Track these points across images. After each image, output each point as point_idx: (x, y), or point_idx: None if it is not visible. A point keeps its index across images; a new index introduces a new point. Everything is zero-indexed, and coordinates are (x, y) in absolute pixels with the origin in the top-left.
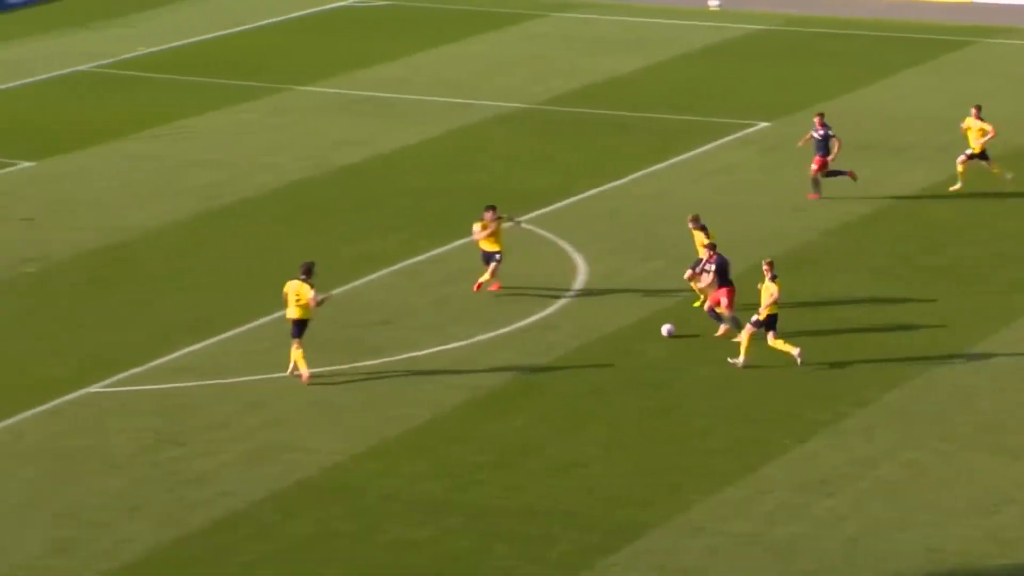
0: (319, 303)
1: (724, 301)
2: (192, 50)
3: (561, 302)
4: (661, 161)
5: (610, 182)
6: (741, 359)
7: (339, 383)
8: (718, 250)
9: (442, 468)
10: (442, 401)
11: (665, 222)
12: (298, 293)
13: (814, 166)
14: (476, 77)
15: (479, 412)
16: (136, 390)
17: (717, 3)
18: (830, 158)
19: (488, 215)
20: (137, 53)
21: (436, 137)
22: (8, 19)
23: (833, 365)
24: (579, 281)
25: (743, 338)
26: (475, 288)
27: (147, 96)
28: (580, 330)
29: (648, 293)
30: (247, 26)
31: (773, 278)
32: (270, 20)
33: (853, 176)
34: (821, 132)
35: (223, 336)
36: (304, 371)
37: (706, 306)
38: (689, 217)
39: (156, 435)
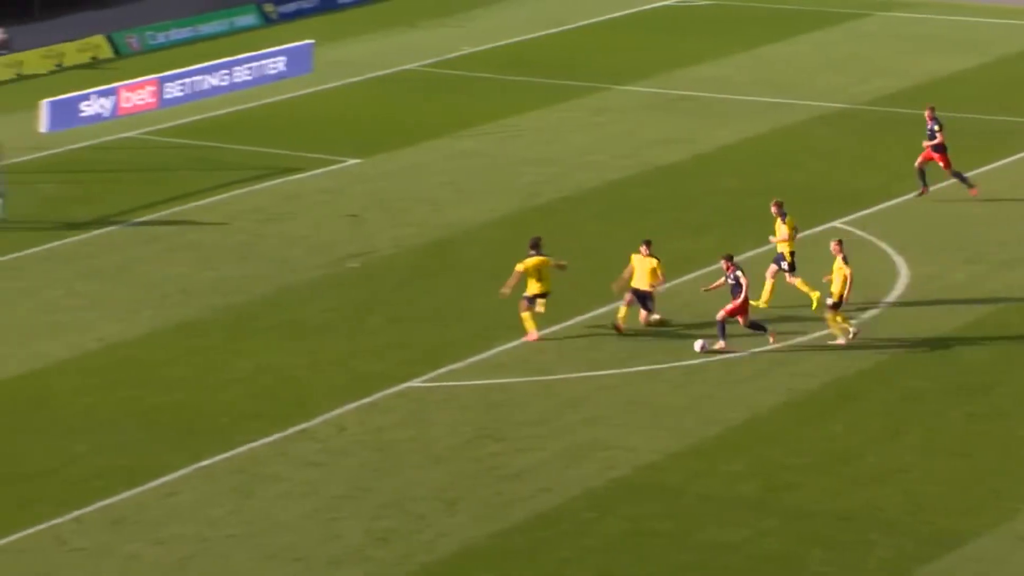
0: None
1: (737, 316)
2: (514, 49)
3: (881, 305)
4: (985, 163)
5: (932, 184)
6: (841, 339)
7: (657, 382)
8: (735, 262)
9: (759, 470)
10: (759, 403)
11: (988, 226)
12: (539, 266)
13: (928, 157)
14: (798, 76)
15: (796, 415)
16: (456, 385)
17: None
18: (933, 143)
19: (644, 249)
20: (461, 52)
21: (755, 136)
22: (338, 18)
23: None
24: (900, 284)
25: (830, 323)
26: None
27: (472, 95)
28: (899, 334)
29: (970, 297)
30: (568, 26)
31: (845, 259)
32: (590, 20)
33: (975, 191)
34: (931, 125)
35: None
36: (533, 332)
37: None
38: (773, 201)
39: (476, 430)
